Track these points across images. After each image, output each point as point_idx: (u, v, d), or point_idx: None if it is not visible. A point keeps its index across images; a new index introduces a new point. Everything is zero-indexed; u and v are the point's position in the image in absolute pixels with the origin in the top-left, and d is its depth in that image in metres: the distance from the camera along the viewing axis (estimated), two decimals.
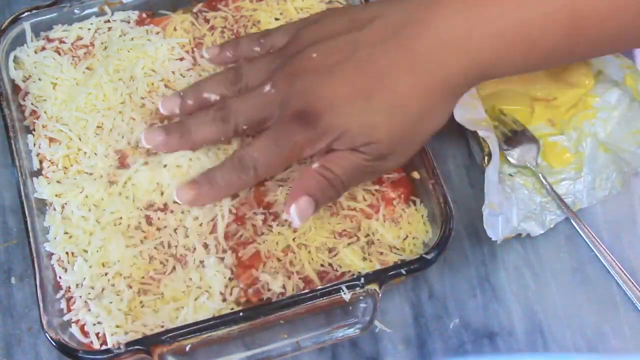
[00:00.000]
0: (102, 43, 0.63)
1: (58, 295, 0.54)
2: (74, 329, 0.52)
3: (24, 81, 0.61)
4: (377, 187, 0.58)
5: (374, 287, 0.53)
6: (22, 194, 0.55)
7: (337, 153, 0.53)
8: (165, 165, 0.56)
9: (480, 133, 0.60)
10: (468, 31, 0.50)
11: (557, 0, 0.50)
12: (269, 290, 0.54)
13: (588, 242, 0.62)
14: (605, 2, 0.50)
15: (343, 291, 0.52)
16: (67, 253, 0.55)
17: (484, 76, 0.53)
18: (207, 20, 0.65)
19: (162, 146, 0.56)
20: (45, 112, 0.59)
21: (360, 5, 0.60)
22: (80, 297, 0.53)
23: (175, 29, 0.64)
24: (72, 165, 0.58)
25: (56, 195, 0.56)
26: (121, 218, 0.56)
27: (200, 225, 0.56)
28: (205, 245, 0.56)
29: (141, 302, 0.54)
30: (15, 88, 0.61)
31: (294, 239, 0.56)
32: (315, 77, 0.52)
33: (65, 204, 0.56)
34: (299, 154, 0.54)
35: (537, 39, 0.51)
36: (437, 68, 0.51)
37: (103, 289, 0.54)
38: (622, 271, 0.61)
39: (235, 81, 0.57)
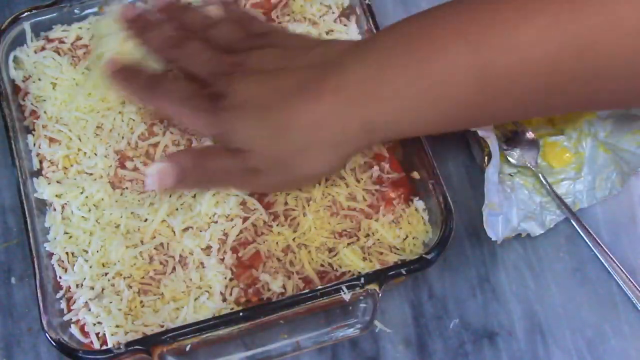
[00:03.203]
0: None
1: (58, 295, 0.54)
2: (74, 329, 0.52)
3: (24, 81, 0.61)
4: (377, 187, 0.58)
5: (374, 287, 0.53)
6: (22, 194, 0.55)
7: (221, 148, 0.55)
8: None
9: (480, 133, 0.60)
10: (374, 80, 0.51)
11: (462, 56, 0.49)
12: (269, 290, 0.54)
13: (588, 242, 0.62)
14: (512, 58, 0.48)
15: (343, 291, 0.52)
16: (67, 253, 0.55)
17: (384, 134, 0.53)
18: None
19: (127, 21, 0.59)
20: (45, 112, 0.59)
21: (323, 39, 0.62)
22: (80, 297, 0.53)
23: None
24: (72, 166, 0.58)
25: (56, 196, 0.56)
26: (121, 217, 0.56)
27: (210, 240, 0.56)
28: (208, 247, 0.56)
29: (141, 302, 0.54)
30: (15, 88, 0.61)
31: (294, 239, 0.56)
32: (245, 76, 0.55)
33: (66, 204, 0.56)
34: (192, 123, 0.56)
35: (442, 95, 0.50)
36: (337, 107, 0.51)
37: (103, 289, 0.54)
38: (622, 271, 0.61)
39: (209, 27, 0.59)
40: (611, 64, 0.47)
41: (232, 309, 0.54)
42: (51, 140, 0.58)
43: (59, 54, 0.62)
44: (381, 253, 0.56)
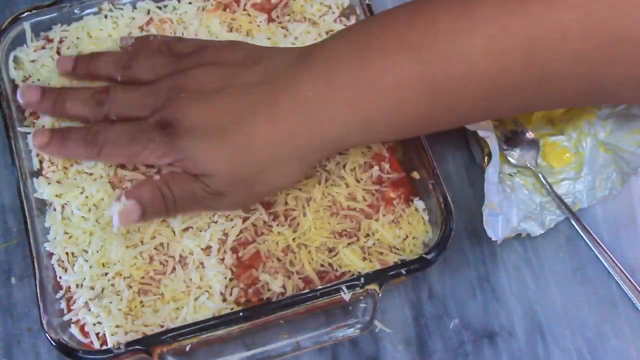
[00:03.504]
0: None
1: (58, 295, 0.54)
2: (74, 329, 0.52)
3: (24, 81, 0.61)
4: (377, 187, 0.58)
5: (374, 287, 0.53)
6: (22, 194, 0.55)
7: (181, 175, 0.54)
8: None
9: (480, 133, 0.60)
10: (326, 95, 0.51)
11: (412, 68, 0.49)
12: (269, 290, 0.54)
13: (588, 242, 0.62)
14: (462, 68, 0.48)
15: (343, 291, 0.52)
16: (67, 253, 0.55)
17: (339, 144, 0.54)
18: None
19: (35, 105, 0.58)
20: None
21: (261, 46, 0.59)
22: (80, 297, 0.53)
23: None
24: (72, 165, 0.58)
25: (56, 196, 0.56)
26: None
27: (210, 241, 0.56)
28: (208, 247, 0.56)
29: (141, 302, 0.54)
30: (15, 88, 0.61)
31: (294, 239, 0.56)
32: (191, 98, 0.53)
33: (66, 204, 0.56)
34: (145, 158, 0.54)
35: (393, 107, 0.50)
36: (293, 126, 0.51)
37: (103, 289, 0.54)
38: (622, 271, 0.61)
39: (127, 67, 0.57)
40: (557, 68, 0.48)
41: (232, 309, 0.54)
42: None
43: (58, 54, 0.62)
44: (381, 253, 0.56)
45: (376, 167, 0.59)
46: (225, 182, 0.53)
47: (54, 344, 0.50)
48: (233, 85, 0.53)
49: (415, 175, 0.59)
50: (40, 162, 0.58)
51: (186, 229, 0.56)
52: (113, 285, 0.54)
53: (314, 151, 0.53)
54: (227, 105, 0.52)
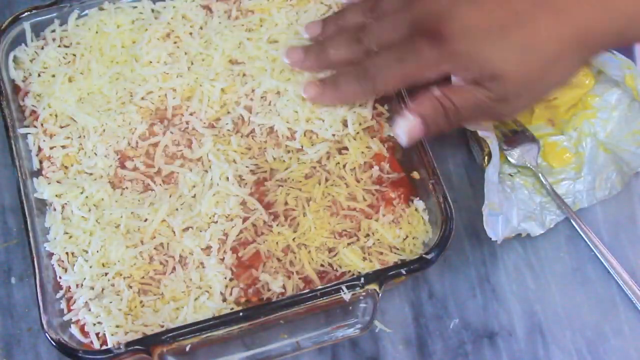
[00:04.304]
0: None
1: (58, 295, 0.54)
2: (74, 329, 0.52)
3: (23, 81, 0.61)
4: (377, 187, 0.58)
5: (374, 287, 0.53)
6: (22, 194, 0.55)
7: (462, 85, 0.53)
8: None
9: (480, 133, 0.60)
10: None
11: None
12: (269, 290, 0.54)
13: (588, 242, 0.62)
14: None
15: (343, 291, 0.52)
16: (67, 253, 0.55)
17: (624, 36, 0.52)
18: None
19: (300, 64, 0.59)
20: (44, 108, 0.59)
21: None
22: (80, 297, 0.53)
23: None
24: (72, 165, 0.58)
25: (56, 196, 0.56)
26: (121, 217, 0.56)
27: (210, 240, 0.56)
28: (208, 247, 0.56)
29: (141, 302, 0.54)
30: (16, 88, 0.61)
31: (294, 239, 0.56)
32: (454, 1, 0.52)
33: (66, 204, 0.56)
34: (422, 74, 0.54)
35: None
36: (580, 16, 0.51)
37: (103, 289, 0.54)
38: (622, 271, 0.61)
39: (374, 8, 0.58)
40: None
41: (232, 309, 0.54)
42: (51, 137, 0.58)
43: (58, 53, 0.62)
44: (381, 253, 0.56)
45: (376, 167, 0.59)
46: (512, 83, 0.52)
47: (54, 344, 0.50)
48: None
49: (415, 175, 0.59)
50: (40, 162, 0.58)
51: (186, 229, 0.56)
52: (113, 285, 0.54)
53: (595, 44, 0.52)
54: (502, 3, 0.51)
